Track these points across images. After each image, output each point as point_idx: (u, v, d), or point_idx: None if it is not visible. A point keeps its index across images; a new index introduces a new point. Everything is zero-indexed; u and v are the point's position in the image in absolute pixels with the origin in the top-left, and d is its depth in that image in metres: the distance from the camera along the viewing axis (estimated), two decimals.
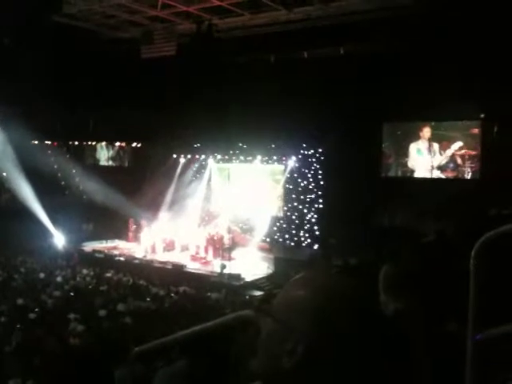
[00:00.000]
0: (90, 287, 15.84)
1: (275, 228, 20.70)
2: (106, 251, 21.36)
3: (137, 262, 20.09)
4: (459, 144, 17.01)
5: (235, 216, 21.06)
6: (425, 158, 17.76)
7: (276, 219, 20.75)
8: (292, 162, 20.16)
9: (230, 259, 18.71)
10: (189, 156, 22.99)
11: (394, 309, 2.19)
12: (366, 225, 16.70)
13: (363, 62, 16.79)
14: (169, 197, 22.62)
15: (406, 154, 18.12)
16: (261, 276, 17.94)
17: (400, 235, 12.53)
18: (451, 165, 17.22)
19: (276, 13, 17.54)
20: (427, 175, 17.74)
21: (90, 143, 27.14)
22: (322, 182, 19.65)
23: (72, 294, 14.61)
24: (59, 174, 25.97)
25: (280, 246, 20.32)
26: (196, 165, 23.04)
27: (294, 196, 20.37)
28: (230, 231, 19.97)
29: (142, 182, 21.88)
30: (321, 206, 19.63)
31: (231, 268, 17.84)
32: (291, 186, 20.44)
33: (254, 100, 18.08)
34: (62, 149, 26.61)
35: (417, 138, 17.88)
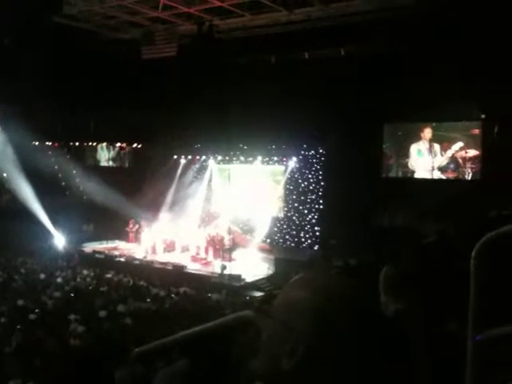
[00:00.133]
0: (91, 288, 15.83)
1: (275, 229, 20.71)
2: (106, 252, 21.35)
3: (137, 262, 20.08)
4: (460, 145, 17.01)
5: (236, 217, 21.07)
6: (425, 159, 17.76)
7: (276, 220, 20.76)
8: (293, 163, 20.17)
9: (230, 260, 18.71)
10: (189, 157, 23.01)
11: (394, 309, 2.19)
12: (366, 225, 16.71)
13: (364, 62, 16.80)
14: (169, 197, 22.63)
15: (406, 154, 18.12)
16: (261, 277, 17.94)
17: (400, 236, 12.53)
18: (452, 165, 17.22)
19: (277, 14, 17.55)
20: (428, 176, 17.74)
21: (90, 144, 27.16)
22: (322, 183, 19.66)
23: (72, 294, 14.61)
24: (60, 175, 26.00)
25: (280, 246, 20.33)
26: (196, 165, 23.06)
27: (294, 197, 20.38)
28: (230, 232, 19.97)
29: (143, 183, 21.90)
30: (321, 206, 19.64)
31: (231, 269, 17.84)
32: (292, 187, 20.45)
33: (254, 101, 18.09)
34: (63, 149, 26.63)
35: (417, 138, 17.89)
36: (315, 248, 19.46)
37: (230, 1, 17.05)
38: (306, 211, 20.03)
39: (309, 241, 19.89)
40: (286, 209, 20.63)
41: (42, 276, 16.90)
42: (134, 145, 25.25)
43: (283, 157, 20.40)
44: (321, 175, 19.69)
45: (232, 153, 21.78)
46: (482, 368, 1.87)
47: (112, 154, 26.74)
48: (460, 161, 17.05)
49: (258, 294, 16.01)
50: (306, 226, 20.02)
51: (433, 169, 17.58)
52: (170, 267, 19.01)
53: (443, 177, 17.47)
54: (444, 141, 17.41)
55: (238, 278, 17.42)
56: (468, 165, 16.91)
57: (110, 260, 20.50)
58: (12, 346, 9.11)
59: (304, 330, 0.93)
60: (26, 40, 16.46)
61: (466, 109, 15.95)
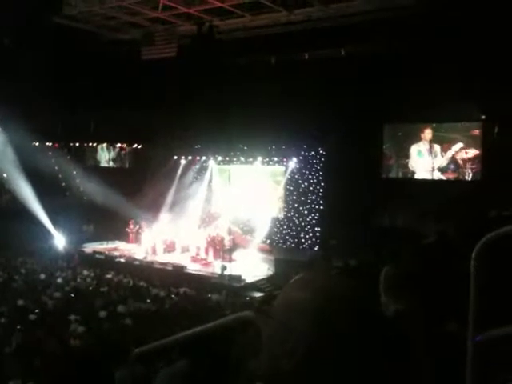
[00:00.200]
0: (91, 288, 15.82)
1: (276, 229, 20.71)
2: (106, 252, 21.35)
3: (137, 263, 20.08)
4: (460, 145, 17.01)
5: (236, 217, 21.07)
6: (425, 160, 17.76)
7: (276, 220, 20.76)
8: (293, 163, 20.17)
9: (230, 260, 18.71)
10: (189, 157, 23.01)
11: (394, 310, 2.18)
12: (366, 226, 16.71)
13: (364, 63, 16.80)
14: (169, 198, 22.63)
15: (406, 155, 18.11)
16: (261, 277, 17.93)
17: (400, 236, 12.53)
18: (452, 166, 17.21)
19: (277, 14, 17.55)
20: (428, 176, 17.73)
21: (90, 144, 27.16)
22: (322, 183, 19.66)
23: (72, 295, 14.60)
24: (60, 175, 26.00)
25: (280, 247, 20.33)
26: (197, 166, 23.06)
27: (294, 197, 20.38)
28: (230, 233, 19.97)
29: (143, 184, 21.90)
30: (321, 207, 19.64)
31: (232, 269, 17.84)
32: (292, 187, 20.45)
33: (254, 101, 18.09)
34: (63, 150, 26.63)
35: (418, 139, 17.88)
36: (315, 248, 19.46)
37: (229, 1, 17.06)
38: (306, 212, 20.03)
39: (309, 241, 19.89)
40: (286, 209, 20.63)
41: (42, 276, 16.89)
42: (134, 145, 25.25)
43: (283, 157, 20.40)
44: (321, 176, 19.69)
45: (232, 153, 21.78)
46: (483, 368, 1.87)
47: (112, 154, 26.74)
48: (460, 161, 17.05)
49: (258, 294, 16.00)
50: (306, 226, 20.02)
51: (433, 169, 17.58)
52: (170, 268, 19.00)
53: (443, 177, 17.46)
54: (444, 141, 17.41)
55: (238, 278, 17.42)
56: (468, 165, 16.91)
57: (110, 260, 20.50)
58: (12, 346, 9.10)
59: (304, 331, 0.93)
60: (26, 40, 16.48)
61: (466, 109, 15.95)
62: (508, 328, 1.88)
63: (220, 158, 22.36)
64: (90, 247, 22.33)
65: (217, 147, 21.64)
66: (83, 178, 24.87)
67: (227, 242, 19.64)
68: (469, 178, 16.96)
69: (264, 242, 20.57)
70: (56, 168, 25.71)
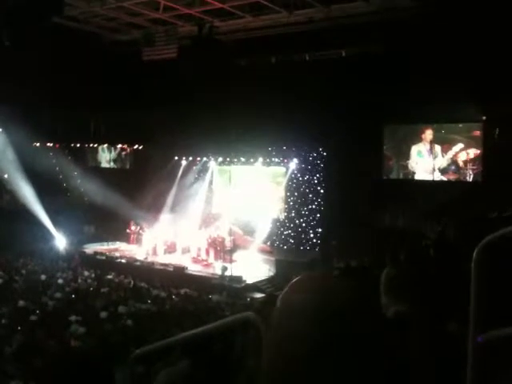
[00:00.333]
0: (91, 289, 15.83)
1: (276, 230, 20.71)
2: (107, 253, 21.36)
3: (138, 264, 20.09)
4: (460, 146, 17.00)
5: (236, 218, 21.07)
6: (426, 160, 17.75)
7: (277, 221, 20.76)
8: (293, 164, 20.18)
9: (231, 261, 18.71)
10: (190, 158, 23.02)
11: (394, 311, 2.19)
12: (367, 227, 16.69)
13: (364, 64, 16.79)
14: (170, 199, 22.65)
15: (407, 156, 18.10)
16: (262, 278, 17.94)
17: (401, 237, 12.52)
18: (453, 167, 17.20)
19: (277, 15, 17.55)
20: (429, 177, 17.72)
21: (91, 145, 27.18)
22: (323, 184, 19.67)
23: (73, 295, 14.62)
24: (61, 176, 26.00)
25: (281, 248, 20.33)
26: (197, 167, 23.07)
27: (295, 198, 20.38)
28: (231, 233, 19.98)
29: (144, 184, 21.90)
30: (322, 208, 19.64)
31: (232, 270, 17.84)
32: (292, 188, 20.45)
33: (255, 102, 18.09)
34: (64, 151, 26.64)
35: (418, 140, 17.87)
36: (316, 249, 19.45)
37: (230, 2, 17.07)
38: (306, 212, 20.04)
39: (309, 242, 19.89)
40: (286, 210, 20.63)
41: (43, 277, 16.90)
42: (135, 146, 25.26)
43: (284, 158, 20.42)
44: (321, 176, 19.70)
45: (233, 154, 21.80)
46: (483, 369, 1.87)
47: (113, 155, 26.75)
48: (461, 162, 17.04)
49: (259, 295, 16.01)
50: (306, 227, 20.02)
51: (434, 170, 17.57)
52: (170, 268, 19.01)
53: (444, 178, 17.45)
54: (445, 142, 17.40)
55: (238, 279, 17.42)
56: (469, 166, 16.90)
57: (111, 261, 20.50)
58: (13, 346, 9.10)
59: (305, 332, 0.93)
60: (26, 41, 16.47)
61: (466, 110, 15.94)
62: (509, 329, 1.88)
63: (221, 159, 22.37)
64: (90, 248, 22.34)
65: (217, 148, 21.65)
66: (84, 178, 24.87)
67: (228, 243, 19.65)
68: (469, 179, 16.95)
69: (265, 243, 20.58)
70: (57, 169, 25.71)
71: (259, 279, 17.82)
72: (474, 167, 16.79)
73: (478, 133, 16.75)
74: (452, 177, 17.29)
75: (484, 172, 16.40)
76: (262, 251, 20.24)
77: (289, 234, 20.50)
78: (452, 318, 2.44)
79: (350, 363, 0.91)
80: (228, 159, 22.19)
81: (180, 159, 23.13)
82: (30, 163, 22.28)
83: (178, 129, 21.08)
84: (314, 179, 19.94)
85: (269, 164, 20.86)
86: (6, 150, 23.34)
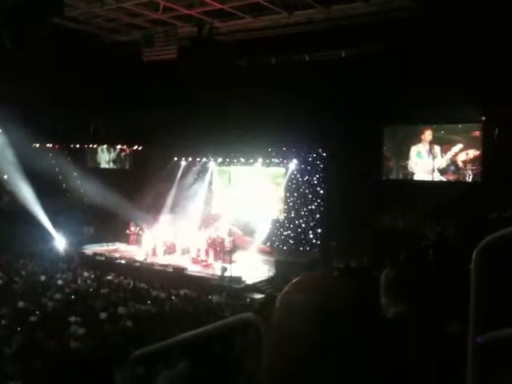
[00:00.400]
0: (91, 290, 15.82)
1: (276, 231, 20.71)
2: (106, 254, 21.36)
3: (137, 264, 20.08)
4: (460, 146, 17.01)
5: (236, 219, 21.07)
6: (425, 161, 17.75)
7: (277, 222, 20.76)
8: (293, 165, 20.18)
9: (230, 262, 18.70)
10: (190, 158, 23.02)
11: (394, 312, 2.19)
12: (366, 227, 16.70)
13: (364, 64, 16.80)
14: (170, 199, 22.65)
15: (406, 156, 18.10)
16: (262, 279, 17.93)
17: (401, 238, 12.53)
18: (452, 167, 17.21)
19: (277, 16, 17.56)
20: (428, 178, 17.72)
21: (90, 146, 27.18)
22: (322, 185, 19.67)
23: (73, 296, 14.61)
24: (60, 177, 25.99)
25: (281, 248, 20.33)
26: (197, 167, 23.07)
27: (294, 199, 20.38)
28: (230, 234, 19.97)
29: (143, 185, 21.90)
30: (322, 208, 19.64)
31: (232, 271, 17.83)
32: (292, 189, 20.46)
33: (254, 102, 18.10)
34: (63, 151, 26.64)
35: (418, 140, 17.88)
36: (316, 250, 19.45)
37: (230, 3, 17.08)
38: (306, 213, 20.04)
39: (309, 243, 19.89)
40: (286, 211, 20.63)
41: (43, 278, 16.89)
42: (135, 147, 25.27)
43: (284, 159, 20.42)
44: (321, 177, 19.70)
45: (232, 155, 21.80)
46: (483, 369, 1.87)
47: (112, 155, 26.75)
48: (460, 163, 17.04)
49: (259, 296, 16.00)
50: (306, 227, 20.03)
51: (433, 171, 17.57)
52: (170, 269, 19.00)
53: (444, 179, 17.45)
54: (444, 143, 17.41)
55: (238, 280, 17.41)
56: (468, 167, 16.90)
57: (111, 262, 20.50)
58: (12, 347, 9.10)
59: (304, 332, 0.93)
60: (26, 41, 16.47)
61: (466, 111, 15.95)
62: (508, 330, 1.88)
63: (220, 160, 22.37)
64: (90, 249, 22.33)
65: (217, 148, 21.65)
66: (84, 179, 24.87)
67: (227, 244, 19.64)
68: (469, 179, 16.95)
69: (264, 244, 20.57)
70: (56, 169, 25.70)
71: (259, 280, 17.81)
72: (474, 168, 16.79)
73: (477, 133, 16.76)
74: (451, 177, 17.30)
75: (483, 172, 16.40)
76: (262, 252, 20.24)
77: (288, 234, 20.50)
78: (452, 319, 2.44)
79: (349, 363, 0.91)
80: (228, 160, 22.19)
81: (180, 160, 23.13)
82: (30, 164, 22.26)
83: (178, 129, 21.08)
84: (313, 180, 19.95)
85: (268, 165, 20.86)
86: (6, 150, 23.32)
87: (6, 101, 18.24)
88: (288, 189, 20.57)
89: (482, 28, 13.57)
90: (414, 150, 17.96)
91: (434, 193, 16.45)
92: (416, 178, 18.01)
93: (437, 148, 17.50)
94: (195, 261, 19.97)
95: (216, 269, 18.60)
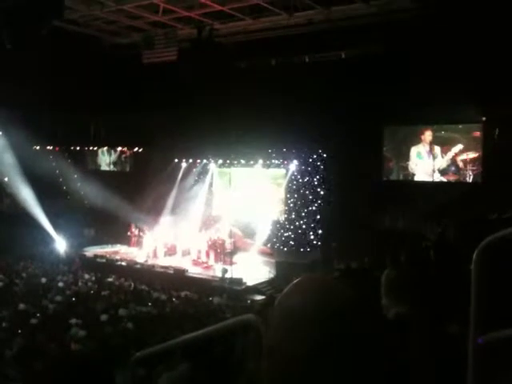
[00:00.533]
0: (92, 292, 15.82)
1: (277, 232, 20.70)
2: (107, 256, 21.35)
3: (138, 266, 20.07)
4: (460, 147, 17.01)
5: (237, 220, 21.06)
6: (425, 162, 17.75)
7: (277, 223, 20.75)
8: (293, 166, 20.18)
9: (231, 263, 18.69)
10: (190, 160, 23.02)
11: (395, 313, 2.19)
12: (367, 228, 16.70)
13: (364, 65, 16.81)
14: (170, 201, 22.63)
15: (407, 157, 18.11)
16: (262, 280, 17.92)
17: (402, 239, 12.52)
18: (453, 168, 17.21)
19: (277, 17, 17.58)
20: (429, 178, 17.72)
21: (91, 148, 27.19)
22: (323, 186, 19.67)
23: (73, 299, 14.61)
24: (61, 179, 26.00)
25: (281, 249, 20.32)
26: (197, 169, 23.07)
27: (295, 200, 20.38)
28: (231, 236, 19.97)
29: (144, 187, 21.90)
30: (322, 209, 19.63)
31: (233, 272, 17.82)
32: (292, 190, 20.45)
33: (255, 104, 18.11)
34: (64, 154, 26.64)
35: (418, 141, 17.88)
36: (316, 251, 19.44)
37: (230, 5, 17.09)
38: (306, 214, 20.03)
39: (310, 244, 19.87)
40: (287, 212, 20.62)
41: (44, 280, 16.88)
42: (135, 149, 25.27)
43: (284, 160, 20.42)
44: (321, 178, 19.70)
45: (233, 156, 21.79)
46: (483, 370, 1.87)
47: (113, 158, 26.75)
48: (461, 163, 17.04)
49: (259, 297, 16.00)
50: (306, 229, 20.01)
51: (433, 171, 17.57)
52: (171, 271, 19.00)
53: (444, 179, 17.45)
54: (444, 143, 17.41)
55: (239, 281, 17.40)
56: (469, 167, 16.90)
57: (112, 264, 20.49)
58: (13, 350, 9.10)
59: (305, 334, 0.93)
60: (26, 43, 16.48)
61: (466, 111, 15.95)
62: (509, 330, 1.88)
63: (220, 161, 22.37)
64: (91, 251, 22.32)
65: (217, 150, 21.65)
66: (84, 181, 24.87)
67: (228, 245, 19.63)
68: (469, 179, 16.95)
69: (265, 245, 20.57)
70: (57, 172, 25.70)
71: (259, 281, 17.81)
72: (474, 168, 16.79)
73: (477, 134, 16.76)
74: (452, 178, 17.29)
75: (484, 173, 16.40)
76: (263, 253, 20.23)
77: (289, 235, 20.49)
78: (452, 320, 2.44)
79: (349, 364, 0.91)
80: (228, 161, 22.18)
81: (180, 161, 23.13)
82: (30, 166, 22.26)
83: (178, 131, 21.08)
84: (313, 181, 19.94)
85: (269, 166, 20.85)
86: (6, 153, 23.33)
87: (6, 103, 18.26)
88: (288, 190, 20.56)
89: (482, 29, 13.58)
90: (414, 150, 17.96)
91: (435, 193, 16.45)
92: (416, 178, 18.01)
93: (437, 149, 17.50)
94: (196, 262, 19.96)
95: (217, 270, 18.59)
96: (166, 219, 22.09)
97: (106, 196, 21.72)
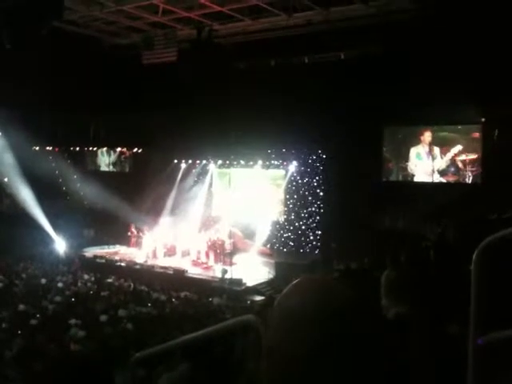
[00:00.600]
0: (91, 293, 15.81)
1: (276, 232, 20.70)
2: (107, 257, 21.34)
3: (138, 267, 20.06)
4: (459, 148, 17.02)
5: (236, 221, 21.06)
6: (425, 162, 17.76)
7: (277, 224, 20.76)
8: (293, 167, 20.18)
9: (231, 264, 18.69)
10: (190, 161, 23.02)
11: (395, 313, 2.19)
12: (367, 229, 16.70)
13: (363, 66, 16.82)
14: (170, 202, 22.64)
15: (406, 158, 18.11)
16: (262, 281, 17.92)
17: (401, 239, 12.53)
18: (452, 169, 17.21)
19: (276, 18, 17.59)
20: (428, 179, 17.73)
21: (90, 149, 27.19)
22: (322, 187, 19.67)
23: (73, 299, 14.60)
24: (60, 180, 26.00)
25: (281, 250, 20.32)
26: (197, 170, 23.07)
27: (294, 200, 20.38)
28: (231, 236, 19.97)
29: (143, 188, 21.90)
30: (322, 210, 19.64)
31: (232, 273, 17.82)
32: (292, 191, 20.45)
33: (254, 105, 18.12)
34: (63, 154, 26.64)
35: (417, 142, 17.89)
36: (316, 252, 19.45)
37: (229, 5, 17.10)
38: (306, 215, 20.04)
39: (309, 244, 19.88)
40: (286, 213, 20.62)
41: (43, 281, 16.87)
42: (135, 149, 25.28)
43: (283, 161, 20.43)
44: (321, 179, 19.71)
45: (232, 157, 21.80)
46: (483, 370, 1.87)
47: (112, 158, 26.75)
48: (460, 164, 17.05)
49: (259, 298, 15.99)
50: (306, 229, 20.02)
51: (433, 172, 17.57)
52: (170, 272, 18.99)
53: (443, 180, 17.45)
54: (444, 144, 17.42)
55: (238, 282, 17.40)
56: (468, 168, 16.91)
57: (111, 265, 20.48)
58: (13, 350, 9.09)
59: (305, 334, 0.93)
60: (26, 43, 16.49)
61: (466, 112, 15.96)
62: (509, 331, 1.88)
63: (220, 162, 22.37)
64: (90, 251, 22.30)
65: (217, 151, 21.65)
66: (83, 182, 24.87)
67: (228, 246, 19.62)
68: (469, 180, 16.96)
69: (264, 246, 20.57)
70: (56, 172, 25.69)
71: (259, 282, 17.80)
72: (474, 169, 16.80)
73: (476, 135, 16.77)
74: (451, 178, 17.30)
75: (483, 173, 16.41)
76: (262, 254, 20.22)
77: (288, 236, 20.50)
78: (452, 320, 2.44)
79: (349, 364, 0.91)
80: (227, 162, 22.18)
81: (179, 162, 23.13)
82: (30, 167, 22.26)
83: (178, 132, 21.09)
84: (313, 182, 19.95)
85: (268, 167, 20.85)
86: (6, 153, 23.32)
87: (6, 103, 18.26)
88: (288, 191, 20.56)
89: (481, 29, 13.59)
90: (413, 151, 17.97)
91: (434, 194, 16.45)
92: (416, 179, 18.01)
93: (436, 149, 17.51)
94: (195, 263, 19.96)
95: (216, 271, 18.59)
96: (165, 220, 22.09)
97: (105, 197, 21.71)
